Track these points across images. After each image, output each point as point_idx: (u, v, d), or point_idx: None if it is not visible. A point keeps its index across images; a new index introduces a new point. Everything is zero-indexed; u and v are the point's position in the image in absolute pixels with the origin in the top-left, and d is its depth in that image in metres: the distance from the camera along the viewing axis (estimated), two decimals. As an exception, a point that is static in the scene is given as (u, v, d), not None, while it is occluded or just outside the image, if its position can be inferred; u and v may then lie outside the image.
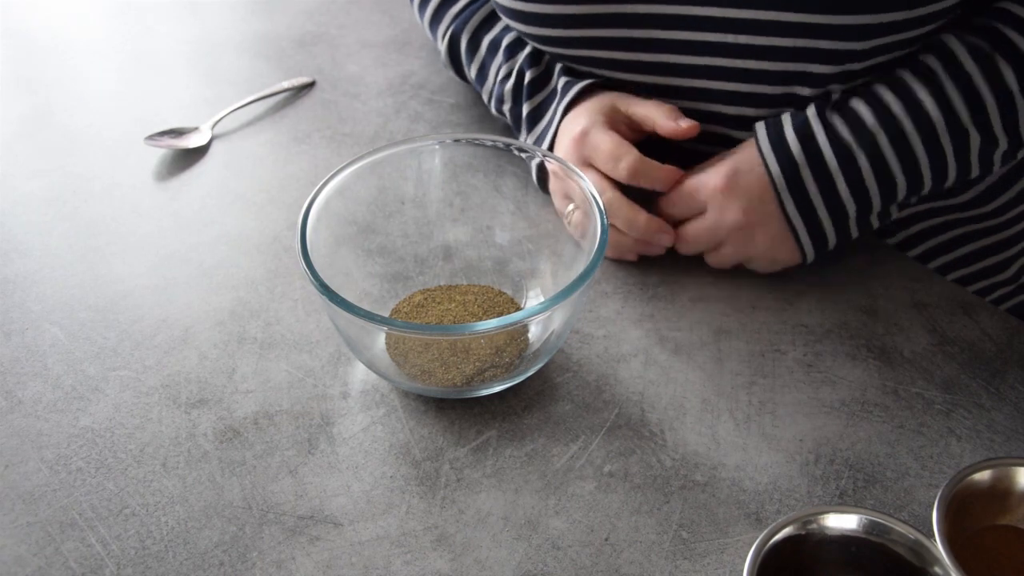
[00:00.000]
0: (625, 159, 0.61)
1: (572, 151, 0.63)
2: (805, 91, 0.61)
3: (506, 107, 0.71)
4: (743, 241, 0.61)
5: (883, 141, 0.58)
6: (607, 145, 0.61)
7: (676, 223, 0.63)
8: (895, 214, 0.63)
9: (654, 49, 0.63)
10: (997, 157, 0.61)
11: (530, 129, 0.68)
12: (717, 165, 0.61)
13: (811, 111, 0.60)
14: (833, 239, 0.61)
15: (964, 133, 0.58)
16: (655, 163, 0.62)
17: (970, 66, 0.58)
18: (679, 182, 0.62)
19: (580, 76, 0.67)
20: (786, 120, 0.60)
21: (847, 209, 0.60)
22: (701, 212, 0.62)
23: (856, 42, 0.58)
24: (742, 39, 0.60)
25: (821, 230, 0.60)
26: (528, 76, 0.68)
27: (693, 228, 0.62)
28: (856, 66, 0.59)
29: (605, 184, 0.62)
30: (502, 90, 0.71)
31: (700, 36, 0.61)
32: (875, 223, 0.62)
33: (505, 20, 0.68)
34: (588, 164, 0.63)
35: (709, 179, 0.61)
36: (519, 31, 0.67)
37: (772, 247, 0.61)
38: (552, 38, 0.65)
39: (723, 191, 0.60)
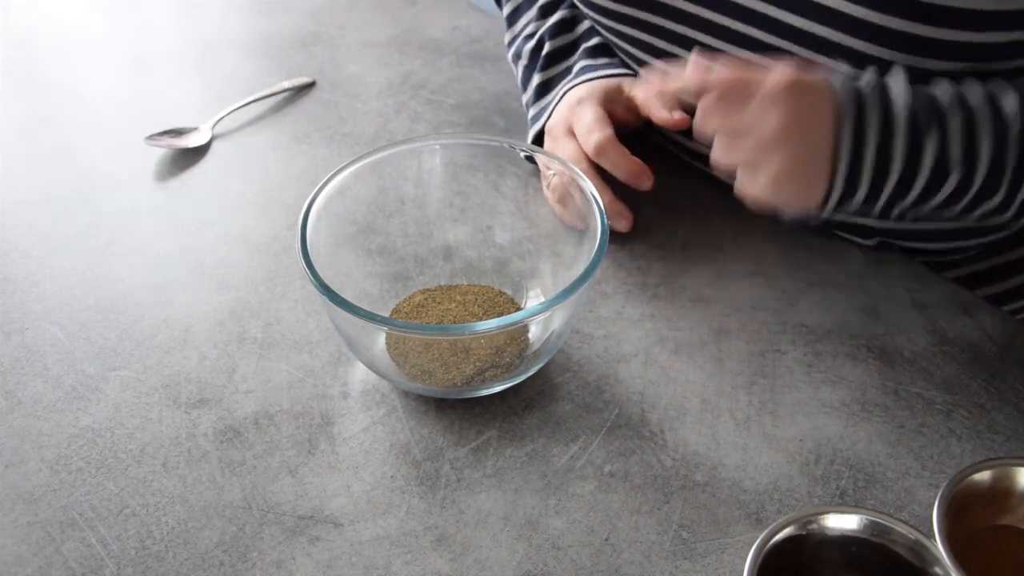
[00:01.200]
0: (596, 134, 0.61)
1: (562, 117, 0.65)
2: None
3: (521, 63, 0.71)
4: (762, 154, 0.53)
5: (954, 123, 0.51)
6: (588, 117, 0.62)
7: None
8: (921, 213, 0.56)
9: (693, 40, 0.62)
10: None
11: (536, 99, 0.69)
12: (788, 68, 0.53)
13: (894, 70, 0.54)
14: (864, 190, 0.53)
15: None
16: (624, 150, 0.62)
17: None
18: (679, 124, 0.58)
19: (600, 65, 0.68)
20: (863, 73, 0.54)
21: (891, 168, 0.52)
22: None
23: (932, 59, 0.53)
24: (791, 47, 0.56)
25: (859, 173, 0.52)
26: (547, 48, 0.68)
27: (726, 117, 0.54)
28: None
29: (580, 154, 0.63)
30: (523, 47, 0.71)
31: (754, 32, 0.58)
32: (900, 206, 0.54)
33: None
34: (570, 132, 0.64)
35: (773, 75, 0.52)
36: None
37: (780, 184, 0.53)
38: (608, 9, 0.64)
39: (785, 88, 0.51)
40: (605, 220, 0.54)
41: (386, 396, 0.57)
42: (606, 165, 0.63)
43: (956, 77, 0.54)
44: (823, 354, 0.59)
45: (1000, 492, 0.46)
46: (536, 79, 0.69)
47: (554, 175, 0.59)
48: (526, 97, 0.71)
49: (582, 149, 0.63)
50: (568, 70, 0.68)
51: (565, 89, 0.67)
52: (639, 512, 0.51)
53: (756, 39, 0.58)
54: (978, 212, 0.55)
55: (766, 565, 0.42)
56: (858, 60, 0.55)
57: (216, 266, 0.66)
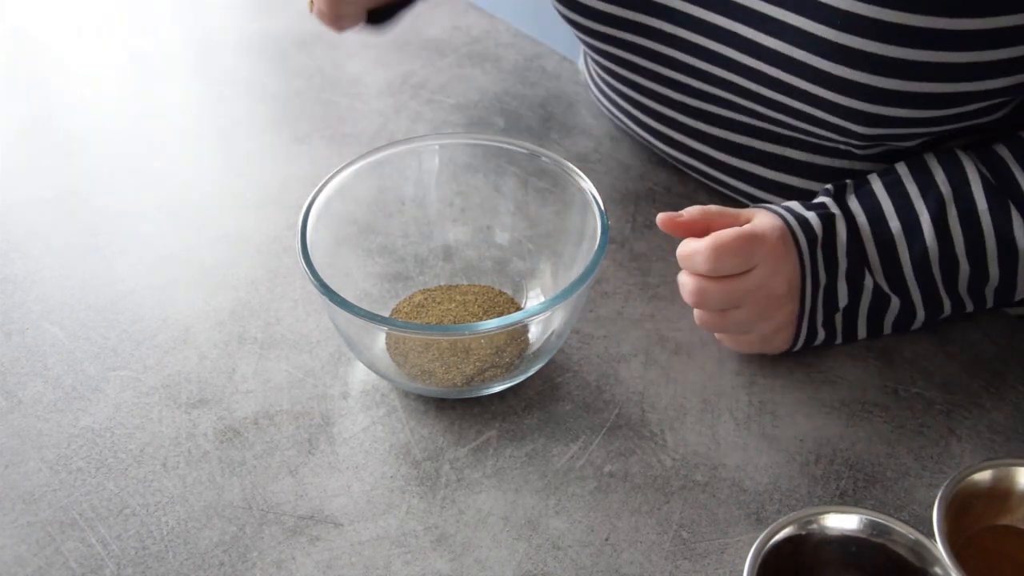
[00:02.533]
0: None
1: None
2: (826, 137, 0.59)
3: None
4: (766, 312, 0.55)
5: (871, 250, 0.56)
6: None
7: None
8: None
9: (684, 71, 0.62)
10: (989, 292, 0.57)
11: None
12: (766, 217, 0.55)
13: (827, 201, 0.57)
14: (822, 333, 0.57)
15: (955, 265, 0.55)
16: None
17: (979, 198, 0.54)
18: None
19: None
20: (798, 205, 0.57)
21: (839, 301, 0.56)
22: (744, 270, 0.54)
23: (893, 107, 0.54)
24: (767, 69, 0.57)
25: (814, 317, 0.56)
26: None
27: (728, 284, 0.54)
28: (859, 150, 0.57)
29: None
30: None
31: (734, 54, 0.59)
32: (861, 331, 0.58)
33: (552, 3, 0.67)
34: None
35: (767, 233, 0.54)
36: (562, 14, 0.66)
37: (778, 332, 0.56)
38: (591, 30, 0.64)
39: (779, 253, 0.54)
40: (605, 220, 0.54)
41: (386, 396, 0.57)
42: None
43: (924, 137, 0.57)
44: (823, 354, 0.59)
45: (1000, 492, 0.46)
46: None
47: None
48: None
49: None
50: None
51: None
52: (639, 512, 0.51)
53: (753, 41, 0.58)
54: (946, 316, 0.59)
55: (766, 565, 0.42)
56: (844, 58, 0.54)
57: (216, 266, 0.66)
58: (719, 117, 0.64)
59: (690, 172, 0.71)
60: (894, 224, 0.55)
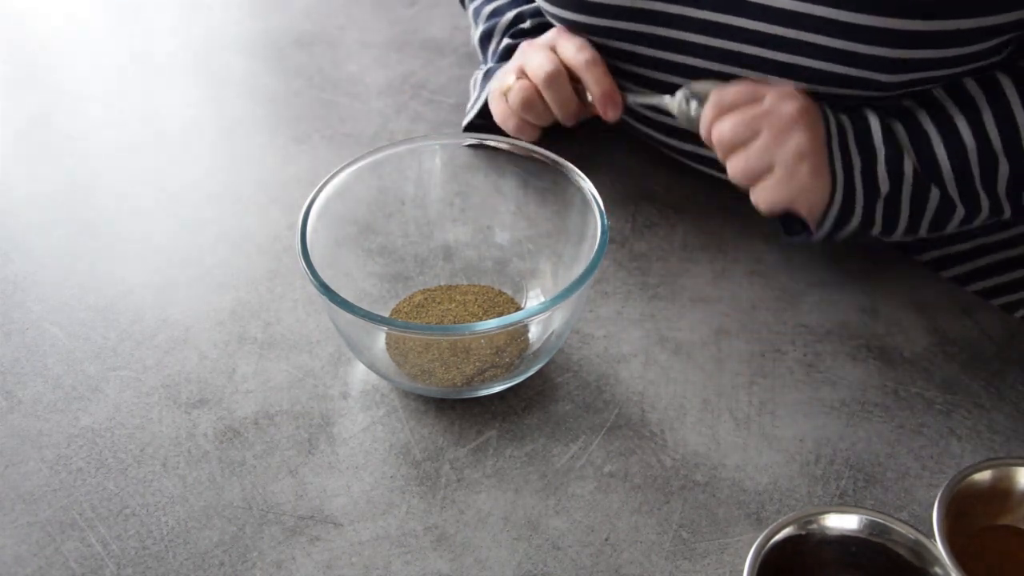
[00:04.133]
0: (587, 52, 0.64)
1: (543, 39, 0.67)
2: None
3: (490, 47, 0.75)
4: (781, 135, 0.57)
5: (909, 166, 0.58)
6: (576, 41, 0.65)
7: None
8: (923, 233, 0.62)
9: (679, 50, 0.62)
10: None
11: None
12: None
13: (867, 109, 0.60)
14: (861, 206, 0.59)
15: (995, 160, 0.57)
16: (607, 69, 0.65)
17: (1014, 100, 0.57)
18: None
19: None
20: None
21: (880, 186, 0.58)
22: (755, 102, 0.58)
23: (887, 74, 0.56)
24: (769, 54, 0.59)
25: (853, 193, 0.58)
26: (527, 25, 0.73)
27: (740, 112, 0.58)
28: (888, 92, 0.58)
29: (558, 63, 0.65)
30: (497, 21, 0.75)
31: (727, 45, 0.60)
32: (900, 230, 0.61)
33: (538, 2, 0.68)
34: (550, 48, 0.66)
35: (782, 83, 0.59)
36: (548, 12, 0.67)
37: (800, 160, 0.57)
38: (581, 24, 0.65)
39: (793, 91, 0.57)
40: (605, 220, 0.54)
41: (386, 396, 0.57)
42: (589, 78, 0.64)
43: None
44: (823, 354, 0.59)
45: (1000, 492, 0.46)
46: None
47: (516, 81, 0.65)
48: (482, 58, 0.75)
49: (559, 61, 0.65)
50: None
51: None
52: (639, 512, 0.51)
53: (765, 5, 0.58)
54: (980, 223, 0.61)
55: (766, 565, 0.42)
56: (844, 33, 0.56)
57: (216, 266, 0.66)
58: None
59: (691, 162, 0.71)
60: (929, 127, 0.58)
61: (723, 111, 0.59)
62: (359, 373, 0.58)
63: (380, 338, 0.55)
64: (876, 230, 0.60)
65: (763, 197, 0.59)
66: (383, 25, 0.94)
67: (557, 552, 0.49)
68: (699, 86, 0.61)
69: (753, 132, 0.57)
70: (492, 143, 0.60)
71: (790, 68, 0.59)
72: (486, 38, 0.76)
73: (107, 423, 0.55)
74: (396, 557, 0.48)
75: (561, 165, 0.58)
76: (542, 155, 0.59)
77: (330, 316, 0.54)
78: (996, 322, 0.61)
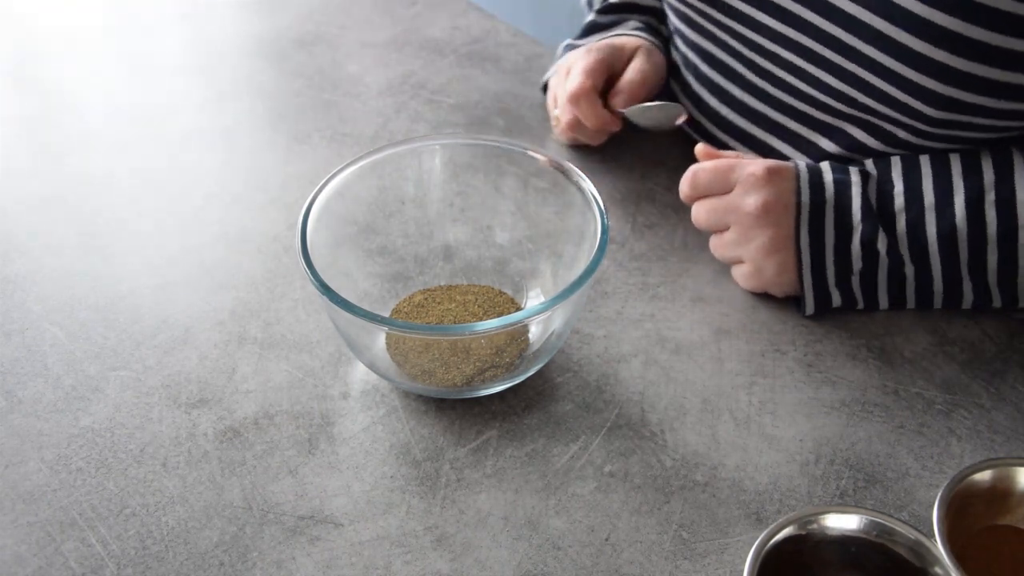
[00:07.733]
0: (575, 80, 0.69)
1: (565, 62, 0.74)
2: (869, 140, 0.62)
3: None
4: (746, 232, 0.60)
5: (901, 224, 0.58)
6: (578, 66, 0.70)
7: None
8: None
9: (752, 27, 0.64)
10: (1022, 284, 0.58)
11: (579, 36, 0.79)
12: (760, 160, 0.62)
13: (854, 169, 0.60)
14: (837, 294, 0.60)
15: (983, 247, 0.57)
16: (596, 100, 0.69)
17: (1021, 189, 0.56)
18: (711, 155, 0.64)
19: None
20: (825, 166, 0.61)
21: (852, 265, 0.59)
22: (725, 192, 0.61)
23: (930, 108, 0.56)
24: (843, 35, 0.58)
25: (823, 274, 0.59)
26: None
27: (711, 201, 0.62)
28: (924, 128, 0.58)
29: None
30: None
31: (792, 33, 0.61)
32: (883, 300, 0.61)
33: None
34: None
35: (749, 164, 0.60)
36: None
37: (766, 257, 0.60)
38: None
39: (759, 178, 0.59)
40: (605, 220, 0.54)
41: (386, 396, 0.57)
42: (579, 113, 0.69)
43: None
44: (823, 354, 0.59)
45: (1000, 492, 0.46)
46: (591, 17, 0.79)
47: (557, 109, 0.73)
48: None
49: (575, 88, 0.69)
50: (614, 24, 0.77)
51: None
52: (639, 512, 0.51)
53: (833, 5, 0.58)
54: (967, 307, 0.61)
55: (766, 565, 0.42)
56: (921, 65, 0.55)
57: (216, 266, 0.66)
58: (784, 82, 0.64)
59: (729, 138, 0.72)
60: (928, 195, 0.58)
61: (698, 192, 0.62)
62: (359, 373, 0.58)
63: (380, 338, 0.55)
64: (860, 307, 0.61)
65: (740, 282, 0.63)
66: (383, 25, 0.94)
67: (557, 552, 0.49)
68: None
69: (724, 224, 0.61)
70: (492, 143, 0.60)
71: (844, 73, 0.59)
72: (588, 4, 0.85)
73: (107, 423, 0.55)
74: (396, 557, 0.48)
75: (561, 165, 0.58)
76: (542, 155, 0.59)
77: (330, 316, 0.54)
78: (996, 322, 0.61)
